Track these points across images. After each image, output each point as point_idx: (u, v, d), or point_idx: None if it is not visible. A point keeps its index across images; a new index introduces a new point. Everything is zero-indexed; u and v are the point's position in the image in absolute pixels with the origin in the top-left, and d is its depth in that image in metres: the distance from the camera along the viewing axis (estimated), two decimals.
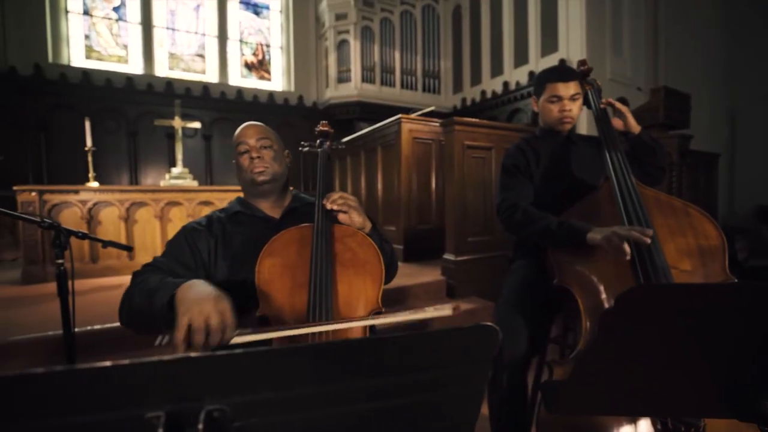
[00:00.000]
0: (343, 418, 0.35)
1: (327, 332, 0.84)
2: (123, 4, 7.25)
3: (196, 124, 4.05)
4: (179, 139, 4.15)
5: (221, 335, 0.72)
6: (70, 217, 3.31)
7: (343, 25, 7.70)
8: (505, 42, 7.11)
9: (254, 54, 8.20)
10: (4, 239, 4.87)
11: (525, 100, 6.80)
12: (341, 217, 1.10)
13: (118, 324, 2.17)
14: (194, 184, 4.00)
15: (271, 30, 8.32)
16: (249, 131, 1.20)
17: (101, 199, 3.44)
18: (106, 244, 1.37)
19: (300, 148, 1.22)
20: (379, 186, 4.10)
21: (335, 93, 7.87)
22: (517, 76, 6.93)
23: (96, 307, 2.41)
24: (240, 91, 7.67)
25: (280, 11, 8.30)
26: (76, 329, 1.31)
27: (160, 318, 0.82)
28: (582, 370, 0.50)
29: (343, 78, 7.83)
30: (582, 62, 1.55)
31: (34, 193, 3.16)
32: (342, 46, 7.79)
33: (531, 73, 6.62)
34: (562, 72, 1.46)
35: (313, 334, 0.83)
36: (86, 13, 7.00)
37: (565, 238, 1.20)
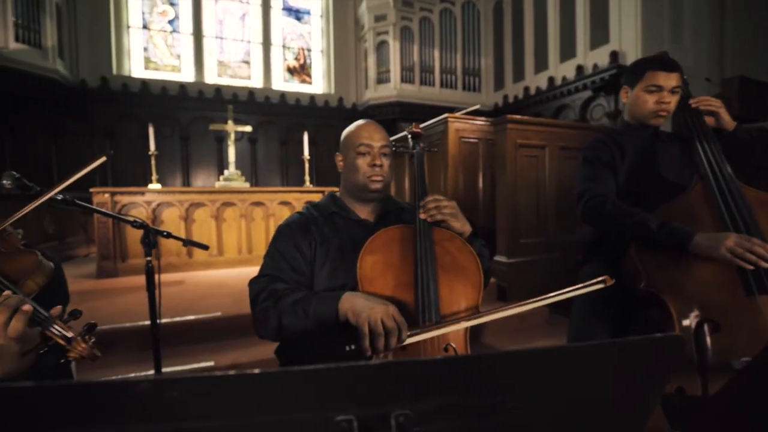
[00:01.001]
0: (519, 429, 0.34)
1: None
2: (177, 16, 7.68)
3: (248, 128, 4.23)
4: (231, 142, 4.34)
5: (398, 336, 0.81)
6: (171, 217, 3.60)
7: (383, 26, 7.73)
8: (550, 36, 6.86)
9: (296, 58, 8.42)
10: (78, 237, 5.31)
11: (572, 96, 6.53)
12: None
13: (187, 317, 2.31)
14: (246, 185, 4.18)
15: (312, 34, 8.51)
16: (376, 134, 1.16)
17: (164, 199, 3.67)
18: (186, 242, 1.45)
19: (392, 148, 1.22)
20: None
21: (374, 94, 7.92)
22: (563, 70, 6.66)
23: (165, 300, 2.56)
24: (283, 95, 7.90)
25: (321, 15, 8.47)
26: (162, 320, 1.39)
27: (318, 331, 0.93)
28: (736, 390, 0.46)
29: (382, 79, 7.87)
30: (664, 54, 1.45)
31: (107, 195, 3.42)
32: (381, 47, 7.83)
33: (579, 68, 6.34)
34: (665, 61, 1.36)
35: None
36: (145, 27, 7.49)
37: (665, 238, 1.11)
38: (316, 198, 4.21)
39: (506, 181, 2.92)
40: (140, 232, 1.34)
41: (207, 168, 7.39)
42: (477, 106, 4.35)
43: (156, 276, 1.32)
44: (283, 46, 8.30)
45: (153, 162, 3.85)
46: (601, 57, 5.96)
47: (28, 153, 6.41)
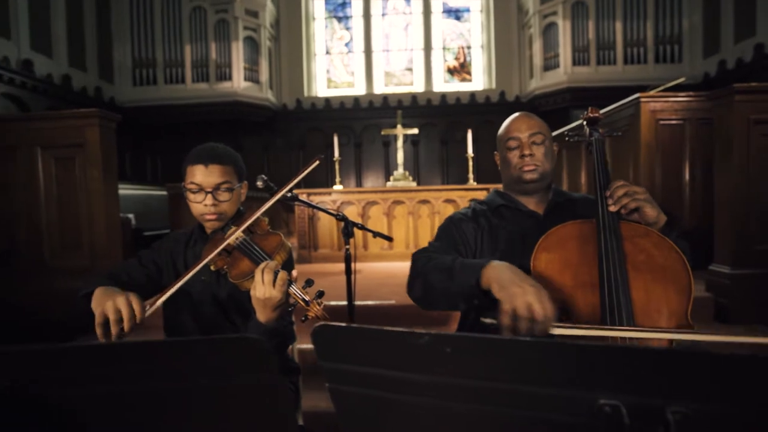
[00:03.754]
0: None
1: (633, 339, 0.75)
2: (351, 38, 8.78)
3: (414, 131, 4.52)
4: (400, 145, 4.72)
5: (544, 324, 0.74)
6: (325, 214, 4.25)
7: (550, 6, 7.07)
8: None
9: (456, 58, 8.51)
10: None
11: None
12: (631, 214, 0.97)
13: (367, 302, 2.62)
14: (413, 185, 4.49)
15: (471, 31, 8.45)
16: (521, 124, 1.14)
17: (345, 199, 4.27)
18: (376, 234, 1.66)
19: (566, 138, 1.14)
20: None
21: (540, 83, 7.33)
22: None
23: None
24: (443, 96, 8.10)
25: (480, 10, 8.33)
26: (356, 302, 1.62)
27: (461, 295, 0.90)
28: None
29: (549, 65, 7.21)
30: None
31: (304, 195, 4.19)
32: (548, 30, 7.17)
33: None
34: None
35: (622, 338, 0.75)
36: (327, 52, 8.82)
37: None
38: (480, 195, 4.18)
39: (732, 170, 2.29)
40: (328, 227, 1.59)
41: (376, 170, 8.20)
42: (681, 80, 3.54)
43: (352, 263, 1.54)
44: (443, 48, 8.50)
45: (337, 167, 4.51)
46: None
47: (249, 166, 8.35)
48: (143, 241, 3.53)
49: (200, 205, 1.15)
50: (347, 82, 8.80)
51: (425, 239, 4.15)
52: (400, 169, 4.65)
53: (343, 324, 0.37)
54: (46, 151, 2.60)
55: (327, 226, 4.17)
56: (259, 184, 1.46)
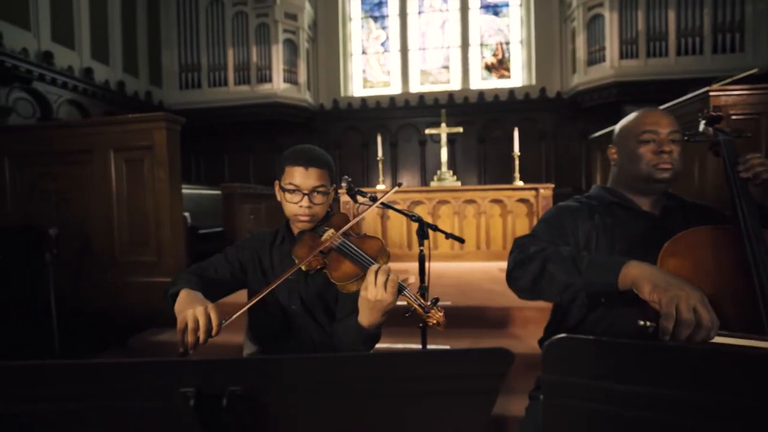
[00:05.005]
0: None
1: None
2: (387, 38, 8.78)
3: (459, 129, 4.46)
4: (444, 144, 4.67)
5: (709, 331, 0.71)
6: (371, 213, 4.24)
7: None
8: None
9: (494, 54, 8.33)
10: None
11: None
12: None
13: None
14: (458, 184, 4.43)
15: (510, 27, 8.25)
16: (660, 119, 1.07)
17: (389, 198, 4.24)
18: (448, 235, 1.64)
19: (684, 138, 1.07)
20: None
21: (584, 78, 7.05)
22: None
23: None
24: (481, 93, 7.96)
25: (520, 5, 8.11)
26: None
27: (589, 291, 0.85)
28: None
29: (594, 59, 6.93)
30: None
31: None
32: (593, 22, 6.89)
33: None
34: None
35: None
36: (363, 52, 8.86)
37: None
38: (529, 195, 4.06)
39: None
40: (397, 227, 1.58)
41: (411, 170, 8.17)
42: (753, 71, 3.30)
43: (426, 263, 1.53)
44: (481, 45, 8.35)
45: (380, 167, 4.51)
46: None
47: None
48: (198, 239, 3.68)
49: (295, 206, 1.17)
50: (383, 82, 8.81)
51: (469, 241, 4.09)
52: (444, 168, 4.60)
53: (588, 337, 0.36)
54: (118, 153, 2.75)
55: (396, 226, 4.12)
56: (344, 185, 1.47)
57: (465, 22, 8.25)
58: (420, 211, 4.18)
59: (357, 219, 1.14)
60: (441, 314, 0.89)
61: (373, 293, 0.89)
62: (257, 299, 0.98)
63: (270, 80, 7.69)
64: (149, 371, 0.38)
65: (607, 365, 0.37)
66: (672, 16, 6.51)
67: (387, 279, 0.89)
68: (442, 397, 0.39)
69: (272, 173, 7.22)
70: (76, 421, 0.39)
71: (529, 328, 2.40)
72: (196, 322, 0.89)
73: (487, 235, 4.12)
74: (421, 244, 1.57)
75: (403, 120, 8.28)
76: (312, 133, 8.36)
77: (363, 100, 8.44)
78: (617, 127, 1.20)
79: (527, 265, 0.93)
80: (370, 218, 4.26)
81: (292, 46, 7.83)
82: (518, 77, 8.15)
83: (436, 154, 7.84)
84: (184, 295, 1.00)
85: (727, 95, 2.91)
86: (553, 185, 4.06)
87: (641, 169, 1.06)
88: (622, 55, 6.64)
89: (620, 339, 0.37)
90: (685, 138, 1.08)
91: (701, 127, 1.11)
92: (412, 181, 8.14)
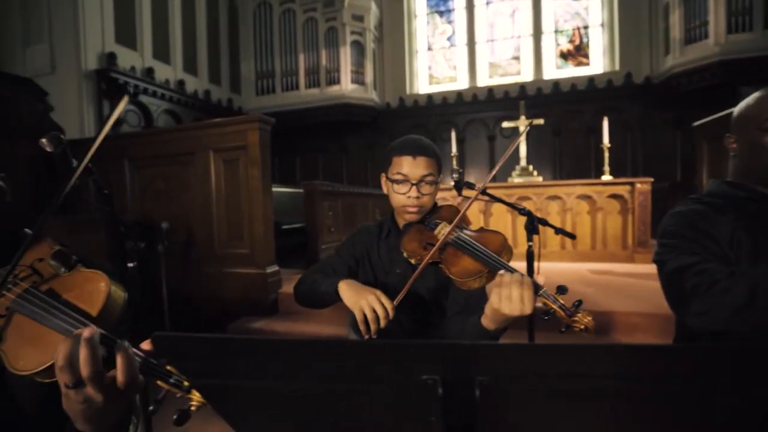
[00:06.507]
0: None
1: None
2: (453, 32, 8.59)
3: (539, 121, 4.21)
4: (523, 138, 4.43)
5: None
6: (472, 210, 4.12)
7: None
8: None
9: (570, 41, 7.78)
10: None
11: None
12: None
13: None
14: (539, 179, 4.17)
15: (589, 9, 7.64)
16: None
17: (467, 194, 4.12)
18: (558, 230, 1.52)
19: None
20: None
21: (680, 59, 6.30)
22: None
23: None
24: (556, 83, 7.47)
25: None
26: None
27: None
28: None
29: (693, 37, 6.15)
30: None
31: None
32: None
33: None
34: None
35: None
36: (429, 49, 8.77)
37: None
38: (622, 190, 3.68)
39: None
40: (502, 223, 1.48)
41: (479, 166, 7.92)
42: None
43: (536, 262, 1.43)
44: (555, 31, 7.84)
45: (453, 162, 4.41)
46: None
47: (354, 165, 8.74)
48: (281, 234, 3.87)
49: (403, 197, 1.15)
50: (449, 77, 8.64)
51: (556, 238, 3.82)
52: (523, 163, 4.36)
53: None
54: (217, 153, 2.97)
55: (499, 223, 3.98)
56: (455, 177, 1.43)
57: (537, 8, 7.80)
58: (497, 208, 3.99)
59: (466, 209, 1.08)
60: (589, 318, 0.79)
61: (508, 308, 0.81)
62: (403, 295, 0.97)
63: (338, 82, 7.90)
64: (389, 354, 0.36)
65: None
66: None
67: (523, 290, 0.81)
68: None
69: (340, 172, 7.45)
70: (309, 401, 0.39)
71: (636, 336, 2.17)
72: (374, 311, 0.93)
73: (573, 233, 3.82)
74: (529, 239, 1.47)
75: (470, 115, 8.06)
76: (378, 131, 8.46)
77: (429, 96, 8.36)
78: (735, 111, 1.02)
79: (722, 294, 0.83)
80: (471, 215, 4.16)
81: (359, 47, 7.97)
82: (598, 63, 7.52)
83: (505, 149, 7.53)
84: (346, 287, 1.04)
85: None
86: (651, 179, 3.64)
87: (766, 162, 0.91)
88: (730, 29, 5.81)
89: None
90: None
91: None
92: (480, 178, 7.88)
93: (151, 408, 0.48)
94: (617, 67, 7.19)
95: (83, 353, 0.45)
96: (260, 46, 8.41)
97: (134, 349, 0.49)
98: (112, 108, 4.83)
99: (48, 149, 0.96)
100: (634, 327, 2.20)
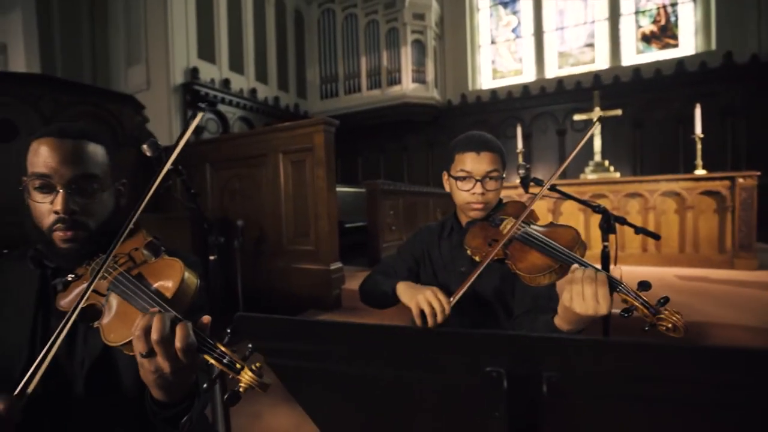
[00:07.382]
0: None
1: None
2: (519, 23, 8.20)
3: (617, 112, 3.85)
4: (598, 132, 4.11)
5: None
6: (540, 210, 3.97)
7: None
8: None
9: (654, 21, 7.03)
10: None
11: None
12: None
13: None
14: (616, 175, 3.83)
15: None
16: None
17: (544, 194, 3.92)
18: (639, 230, 1.39)
19: None
20: None
21: None
22: None
23: None
24: (636, 69, 6.80)
25: None
26: None
27: None
28: None
29: None
30: None
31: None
32: None
33: None
34: None
35: None
36: (492, 42, 8.47)
37: None
38: (717, 187, 3.23)
39: None
40: (574, 221, 1.38)
41: (548, 162, 7.49)
42: None
43: (612, 265, 1.32)
44: (636, 12, 7.13)
45: (520, 159, 4.21)
46: None
47: (415, 164, 8.72)
48: (344, 232, 4.01)
49: (467, 194, 1.12)
50: (514, 70, 8.27)
51: (636, 239, 3.48)
52: (597, 158, 4.03)
53: None
54: (286, 155, 3.15)
55: (572, 220, 3.80)
56: (521, 172, 1.37)
57: None
58: (567, 207, 3.74)
59: (533, 202, 1.03)
60: (678, 316, 0.71)
61: (581, 307, 0.75)
62: (463, 290, 0.95)
63: (399, 82, 7.95)
64: (453, 342, 0.36)
65: None
66: None
67: (597, 287, 0.75)
68: None
69: (400, 172, 7.50)
70: (375, 385, 0.40)
71: None
72: (431, 306, 0.94)
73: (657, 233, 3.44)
74: (605, 239, 1.36)
75: (538, 109, 7.64)
76: (439, 130, 8.36)
77: (492, 92, 8.08)
78: None
79: None
80: (539, 215, 3.95)
81: (419, 47, 7.95)
82: (689, 44, 6.69)
83: (574, 143, 7.01)
84: (404, 287, 1.06)
85: None
86: (758, 173, 3.14)
87: None
88: None
89: None
90: None
91: None
92: (548, 176, 7.43)
93: (205, 385, 0.53)
94: (713, 47, 6.34)
95: (155, 324, 0.54)
96: (324, 51, 8.76)
97: (193, 328, 0.56)
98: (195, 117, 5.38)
99: (148, 154, 1.10)
100: (734, 342, 1.93)
